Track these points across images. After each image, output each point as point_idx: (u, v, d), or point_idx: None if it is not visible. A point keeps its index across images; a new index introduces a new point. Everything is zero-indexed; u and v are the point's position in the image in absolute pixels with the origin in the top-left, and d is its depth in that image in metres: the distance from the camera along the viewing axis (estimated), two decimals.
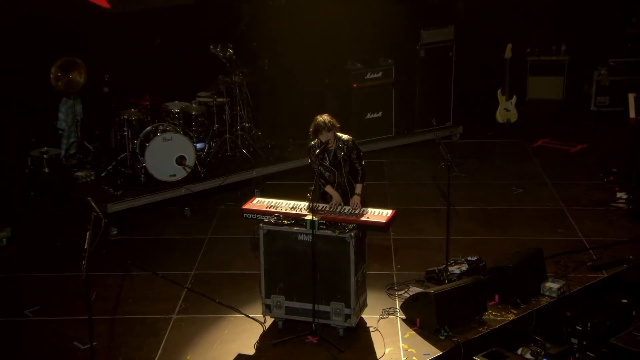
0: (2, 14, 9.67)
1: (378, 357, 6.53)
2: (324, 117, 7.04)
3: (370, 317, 7.07)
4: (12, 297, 7.63)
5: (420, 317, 6.92)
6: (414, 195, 9.80)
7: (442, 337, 6.73)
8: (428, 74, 11.64)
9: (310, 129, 7.09)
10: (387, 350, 6.60)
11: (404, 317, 7.09)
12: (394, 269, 7.99)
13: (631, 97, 9.93)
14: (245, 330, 6.96)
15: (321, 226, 6.63)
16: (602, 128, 12.04)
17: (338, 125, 7.11)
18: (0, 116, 9.72)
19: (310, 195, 6.77)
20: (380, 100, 11.36)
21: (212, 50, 10.09)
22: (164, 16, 11.04)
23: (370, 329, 6.91)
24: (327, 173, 7.26)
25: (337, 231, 6.63)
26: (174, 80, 10.93)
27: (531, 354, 6.62)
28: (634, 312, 7.24)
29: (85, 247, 5.62)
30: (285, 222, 6.76)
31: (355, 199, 7.17)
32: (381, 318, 7.07)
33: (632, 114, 9.65)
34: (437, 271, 7.63)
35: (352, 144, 7.24)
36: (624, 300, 7.35)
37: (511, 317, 7.06)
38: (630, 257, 8.06)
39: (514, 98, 11.86)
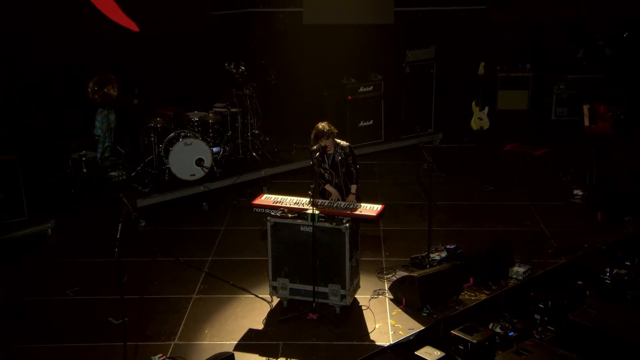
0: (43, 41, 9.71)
1: (369, 331, 6.54)
2: (324, 125, 7.02)
3: (362, 297, 7.07)
4: (56, 279, 7.62)
5: (406, 297, 6.92)
6: (401, 193, 9.79)
7: (425, 314, 6.74)
8: (412, 88, 11.60)
9: (312, 135, 7.07)
10: (377, 326, 6.61)
11: (391, 297, 7.08)
12: (383, 256, 7.98)
13: (585, 108, 9.91)
14: (255, 308, 6.96)
15: (320, 219, 6.63)
16: (561, 135, 12.02)
17: (336, 132, 7.11)
18: (46, 125, 9.72)
19: (311, 192, 6.76)
20: (371, 110, 11.32)
21: (227, 67, 10.08)
22: (186, 38, 11.03)
23: (363, 307, 6.92)
24: (326, 174, 7.25)
25: (334, 223, 6.63)
26: (194, 93, 10.93)
27: (500, 328, 6.61)
28: (587, 292, 7.26)
29: (118, 236, 5.65)
30: (290, 215, 6.76)
31: (351, 198, 7.16)
32: (372, 298, 7.07)
33: (587, 123, 9.68)
34: (420, 257, 7.63)
35: (348, 149, 7.22)
36: (580, 282, 7.36)
37: (484, 297, 7.06)
38: (585, 245, 8.07)
39: (486, 108, 11.82)
